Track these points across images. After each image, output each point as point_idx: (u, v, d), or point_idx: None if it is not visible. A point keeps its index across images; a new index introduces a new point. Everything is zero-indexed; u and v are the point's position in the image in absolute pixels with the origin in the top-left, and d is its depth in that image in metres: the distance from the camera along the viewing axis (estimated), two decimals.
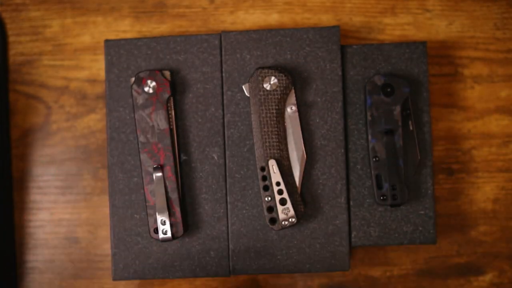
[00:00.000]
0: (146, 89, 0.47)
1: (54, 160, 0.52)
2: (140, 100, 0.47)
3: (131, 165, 0.48)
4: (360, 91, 0.48)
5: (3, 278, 0.51)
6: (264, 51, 0.48)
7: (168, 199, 0.46)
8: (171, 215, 0.46)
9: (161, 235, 0.46)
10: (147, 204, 0.47)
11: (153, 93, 0.47)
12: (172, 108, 0.47)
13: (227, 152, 0.48)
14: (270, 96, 0.46)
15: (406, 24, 0.52)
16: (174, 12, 0.52)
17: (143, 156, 0.47)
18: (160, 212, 0.46)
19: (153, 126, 0.47)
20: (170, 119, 0.47)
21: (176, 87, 0.48)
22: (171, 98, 0.47)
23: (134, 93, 0.47)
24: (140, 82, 0.47)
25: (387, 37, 0.52)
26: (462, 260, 0.51)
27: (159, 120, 0.47)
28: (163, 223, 0.46)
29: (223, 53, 0.48)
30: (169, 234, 0.46)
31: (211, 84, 0.48)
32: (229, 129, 0.48)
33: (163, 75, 0.47)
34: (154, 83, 0.47)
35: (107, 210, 0.51)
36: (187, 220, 0.48)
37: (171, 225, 0.46)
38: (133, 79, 0.47)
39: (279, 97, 0.46)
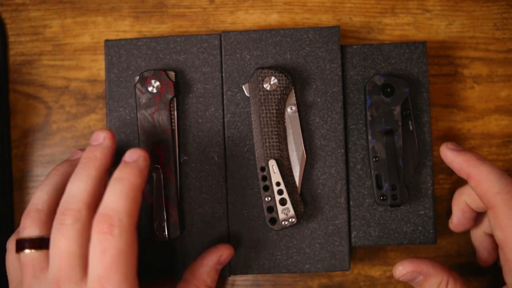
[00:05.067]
0: (150, 88, 0.47)
1: (54, 160, 0.52)
2: (143, 99, 0.47)
3: None
4: (360, 91, 0.48)
5: (3, 278, 0.51)
6: (264, 51, 0.48)
7: (166, 199, 0.46)
8: (168, 216, 0.46)
9: (157, 236, 0.46)
10: (144, 204, 0.47)
11: (156, 93, 0.47)
12: (175, 109, 0.47)
13: (227, 152, 0.48)
14: (270, 96, 0.46)
15: (406, 24, 0.52)
16: (174, 12, 0.52)
17: None
18: (158, 213, 0.46)
19: (154, 126, 0.47)
20: (172, 120, 0.47)
21: (179, 88, 0.48)
22: (174, 99, 0.47)
23: (138, 92, 0.47)
24: (144, 82, 0.47)
25: (387, 37, 0.52)
26: (462, 260, 0.51)
27: (161, 121, 0.47)
28: (160, 224, 0.46)
29: (223, 53, 0.48)
30: (165, 235, 0.46)
31: (211, 84, 0.48)
32: (229, 129, 0.48)
33: (167, 75, 0.47)
34: (158, 83, 0.47)
35: None
36: (185, 221, 0.48)
37: (168, 226, 0.46)
38: (137, 78, 0.47)
39: (279, 97, 0.47)
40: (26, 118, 0.52)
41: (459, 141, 0.51)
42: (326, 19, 0.52)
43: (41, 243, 0.40)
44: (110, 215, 0.38)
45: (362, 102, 0.48)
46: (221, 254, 0.46)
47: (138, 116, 0.47)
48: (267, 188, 0.46)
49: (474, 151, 0.44)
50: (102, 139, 0.42)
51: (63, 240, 0.38)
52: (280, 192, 0.46)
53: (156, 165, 0.46)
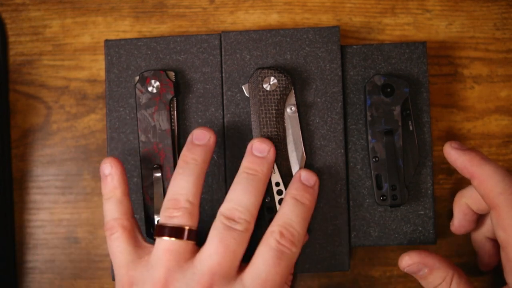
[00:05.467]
0: (149, 88, 0.47)
1: (54, 160, 0.52)
2: (143, 99, 0.47)
3: (131, 165, 0.48)
4: (360, 91, 0.48)
5: (3, 278, 0.51)
6: (264, 51, 0.48)
7: None
8: None
9: None
10: (144, 203, 0.47)
11: (156, 93, 0.47)
12: (175, 109, 0.47)
13: (227, 152, 0.48)
14: (269, 97, 0.46)
15: (406, 24, 0.52)
16: (174, 12, 0.52)
17: (143, 156, 0.47)
18: (158, 213, 0.46)
19: (154, 126, 0.47)
20: (172, 120, 0.47)
21: (179, 88, 0.48)
22: (174, 99, 0.47)
23: (138, 92, 0.47)
24: (144, 82, 0.47)
25: (387, 37, 0.52)
26: (462, 260, 0.51)
27: (161, 121, 0.47)
28: None
29: (223, 53, 0.48)
30: None
31: (211, 84, 0.48)
32: (229, 129, 0.48)
33: (167, 75, 0.47)
34: (158, 83, 0.47)
35: None
36: None
37: None
38: (137, 78, 0.47)
39: (278, 97, 0.46)
40: (26, 118, 0.52)
41: (459, 141, 0.51)
42: (326, 19, 0.52)
43: (187, 233, 0.41)
44: (294, 235, 0.42)
45: (362, 102, 0.48)
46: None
47: (138, 116, 0.47)
48: (267, 188, 0.46)
49: (478, 151, 0.44)
50: (266, 152, 0.44)
51: (232, 241, 0.41)
52: (279, 192, 0.46)
53: (156, 165, 0.46)
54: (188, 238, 0.41)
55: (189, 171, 0.43)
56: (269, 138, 0.46)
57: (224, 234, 0.41)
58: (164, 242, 0.41)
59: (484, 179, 0.42)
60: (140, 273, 0.42)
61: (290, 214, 0.43)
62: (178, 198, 0.42)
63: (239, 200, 0.42)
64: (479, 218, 0.48)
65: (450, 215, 0.50)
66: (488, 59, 0.51)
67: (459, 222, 0.47)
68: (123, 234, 0.43)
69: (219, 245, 0.41)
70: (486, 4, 0.52)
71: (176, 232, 0.41)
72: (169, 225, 0.41)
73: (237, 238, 0.41)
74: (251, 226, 0.42)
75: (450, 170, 0.51)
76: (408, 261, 0.44)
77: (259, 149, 0.44)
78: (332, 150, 0.48)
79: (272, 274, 0.41)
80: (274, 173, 0.46)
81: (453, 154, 0.44)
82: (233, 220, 0.41)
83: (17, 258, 0.52)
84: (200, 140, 0.44)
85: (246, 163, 0.44)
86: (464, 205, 0.46)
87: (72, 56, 0.52)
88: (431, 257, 0.44)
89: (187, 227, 0.41)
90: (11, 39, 0.52)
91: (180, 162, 0.43)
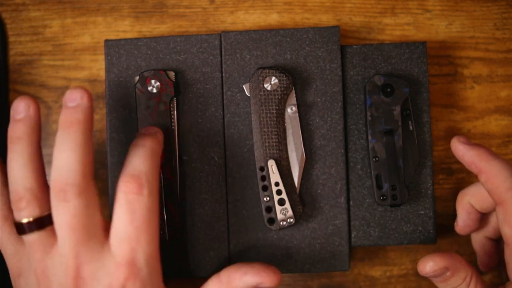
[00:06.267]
0: (150, 88, 0.47)
1: None
2: (143, 99, 0.47)
3: None
4: (360, 91, 0.48)
5: (3, 277, 0.51)
6: (264, 51, 0.48)
7: (166, 199, 0.46)
8: (168, 216, 0.46)
9: None
10: None
11: (156, 93, 0.47)
12: (175, 109, 0.47)
13: (227, 152, 0.48)
14: (270, 96, 0.46)
15: (406, 24, 0.52)
16: (174, 12, 0.52)
17: None
18: None
19: (154, 126, 0.47)
20: (172, 120, 0.47)
21: (179, 88, 0.48)
22: (174, 99, 0.47)
23: (138, 92, 0.47)
24: (144, 82, 0.47)
25: (387, 37, 0.52)
26: None
27: (161, 121, 0.47)
28: (160, 224, 0.46)
29: (223, 53, 0.48)
30: (165, 235, 0.46)
31: (211, 84, 0.48)
32: (229, 129, 0.48)
33: (167, 75, 0.47)
34: (158, 83, 0.47)
35: (107, 210, 0.51)
36: (185, 221, 0.48)
37: (168, 226, 0.46)
38: (137, 78, 0.47)
39: (279, 97, 0.47)
40: None
41: None
42: (326, 19, 0.52)
43: (44, 221, 0.39)
44: (139, 176, 0.39)
45: (362, 102, 0.48)
46: (264, 281, 0.42)
47: (138, 116, 0.47)
48: (266, 188, 0.46)
49: (486, 146, 0.44)
50: (79, 99, 0.39)
51: (71, 218, 0.37)
52: (278, 192, 0.46)
53: None
54: (43, 227, 0.39)
55: (18, 154, 0.39)
56: (269, 137, 0.46)
57: (60, 215, 0.38)
58: (27, 237, 0.39)
59: (492, 175, 0.42)
60: (24, 264, 0.40)
61: (132, 158, 0.40)
62: (17, 189, 0.39)
63: (60, 161, 0.38)
64: (483, 217, 0.47)
65: (450, 215, 0.50)
66: (488, 59, 0.51)
67: (463, 222, 0.47)
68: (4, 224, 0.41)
69: (63, 226, 0.38)
70: (486, 4, 0.52)
71: (29, 226, 0.39)
72: (21, 221, 0.39)
73: (75, 211, 0.37)
74: (83, 186, 0.38)
75: (450, 170, 0.51)
76: (433, 267, 0.42)
77: (70, 99, 0.39)
78: (332, 150, 0.48)
79: (131, 231, 0.38)
80: (274, 173, 0.46)
81: (461, 149, 0.44)
82: (62, 190, 0.37)
83: None
84: (19, 113, 0.40)
85: (60, 119, 0.39)
86: (467, 204, 0.46)
87: (72, 56, 0.52)
88: (453, 259, 0.42)
89: (38, 217, 0.39)
90: (11, 39, 0.52)
91: (7, 143, 0.40)
